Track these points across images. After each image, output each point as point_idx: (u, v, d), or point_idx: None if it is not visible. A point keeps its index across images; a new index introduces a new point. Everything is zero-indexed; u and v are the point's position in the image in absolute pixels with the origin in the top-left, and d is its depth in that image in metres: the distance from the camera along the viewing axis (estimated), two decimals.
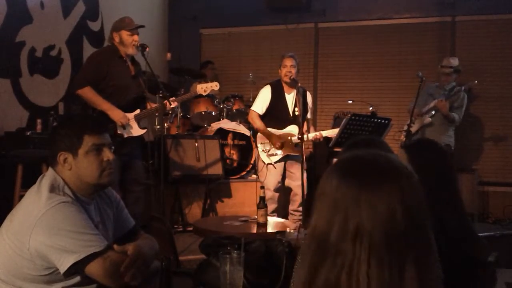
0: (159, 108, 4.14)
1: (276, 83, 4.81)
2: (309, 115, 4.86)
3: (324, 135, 4.66)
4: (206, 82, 4.66)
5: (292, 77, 4.59)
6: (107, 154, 1.86)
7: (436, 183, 1.83)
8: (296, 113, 4.46)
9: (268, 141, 4.70)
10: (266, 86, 4.84)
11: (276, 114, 4.74)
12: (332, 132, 4.63)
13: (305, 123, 4.68)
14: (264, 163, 4.71)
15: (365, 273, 0.85)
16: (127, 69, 3.99)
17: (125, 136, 3.89)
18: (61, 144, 1.83)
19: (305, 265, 0.92)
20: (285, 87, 4.75)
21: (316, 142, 5.08)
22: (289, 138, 4.66)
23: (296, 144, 4.58)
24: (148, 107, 4.09)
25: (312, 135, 4.65)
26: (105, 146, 1.88)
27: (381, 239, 0.86)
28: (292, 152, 4.67)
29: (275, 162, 4.69)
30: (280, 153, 4.68)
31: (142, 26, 4.05)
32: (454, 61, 5.39)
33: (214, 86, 4.44)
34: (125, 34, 3.94)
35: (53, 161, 1.85)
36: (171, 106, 4.06)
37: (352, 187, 0.90)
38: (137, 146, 4.14)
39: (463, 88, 5.27)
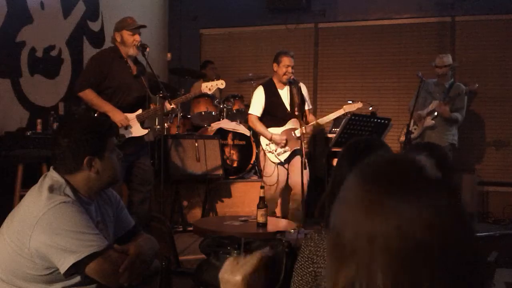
0: (160, 109, 4.14)
1: (267, 83, 4.82)
2: (307, 106, 4.86)
3: (321, 124, 4.76)
4: (212, 80, 4.63)
5: (292, 78, 4.60)
6: (119, 151, 1.95)
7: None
8: (296, 112, 4.46)
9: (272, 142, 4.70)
10: (258, 87, 4.84)
11: (274, 112, 4.74)
12: (327, 119, 4.75)
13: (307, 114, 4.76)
14: (274, 163, 4.67)
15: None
16: (128, 69, 3.99)
17: (127, 136, 3.89)
18: (87, 149, 1.82)
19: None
20: (278, 84, 4.76)
21: (315, 142, 5.07)
22: (292, 133, 4.65)
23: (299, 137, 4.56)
24: (152, 107, 4.08)
25: (309, 127, 4.70)
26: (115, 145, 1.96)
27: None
28: (298, 146, 4.64)
29: (285, 160, 4.68)
30: (287, 150, 4.67)
31: (144, 26, 4.05)
32: (447, 59, 5.30)
33: (220, 84, 4.41)
34: (126, 34, 3.93)
35: (72, 166, 1.81)
36: (171, 106, 4.05)
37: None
38: (143, 145, 4.12)
39: (464, 91, 5.22)
